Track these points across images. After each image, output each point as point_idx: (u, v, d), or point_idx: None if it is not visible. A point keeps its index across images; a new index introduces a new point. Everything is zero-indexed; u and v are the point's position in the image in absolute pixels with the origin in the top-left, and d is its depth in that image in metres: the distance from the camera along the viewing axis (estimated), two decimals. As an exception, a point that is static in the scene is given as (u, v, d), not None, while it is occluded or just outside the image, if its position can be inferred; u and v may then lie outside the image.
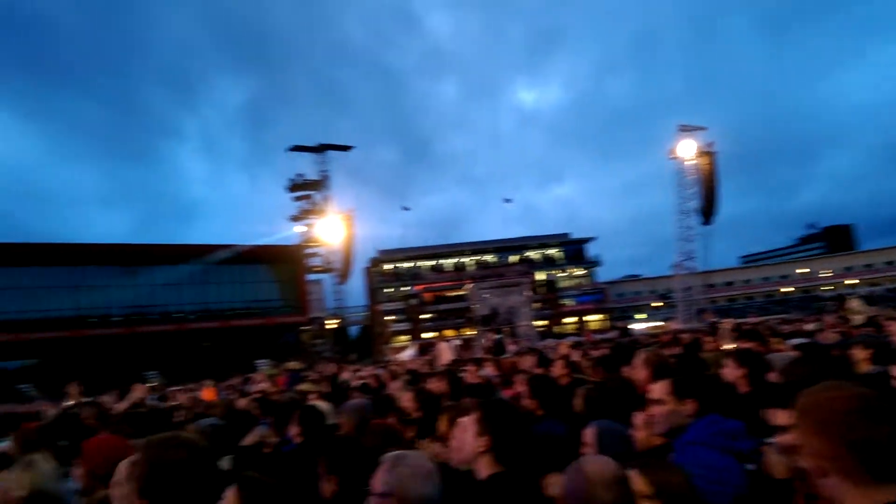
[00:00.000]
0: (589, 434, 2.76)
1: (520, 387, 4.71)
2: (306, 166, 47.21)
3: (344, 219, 44.13)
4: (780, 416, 2.16)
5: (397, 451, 2.09)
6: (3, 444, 5.49)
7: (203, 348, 43.21)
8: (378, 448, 2.86)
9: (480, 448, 2.36)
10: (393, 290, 62.83)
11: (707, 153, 39.29)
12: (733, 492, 2.22)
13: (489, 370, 8.64)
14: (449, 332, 52.34)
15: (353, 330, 60.56)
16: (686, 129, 40.44)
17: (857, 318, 12.38)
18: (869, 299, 23.53)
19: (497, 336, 25.84)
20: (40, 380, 33.21)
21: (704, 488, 2.06)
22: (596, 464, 2.08)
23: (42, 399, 24.52)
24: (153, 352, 38.13)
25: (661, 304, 60.79)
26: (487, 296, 34.02)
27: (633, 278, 71.95)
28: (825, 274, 66.36)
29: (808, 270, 67.90)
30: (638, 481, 1.94)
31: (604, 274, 69.97)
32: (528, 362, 7.23)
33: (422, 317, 59.73)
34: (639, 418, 2.89)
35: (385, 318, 58.73)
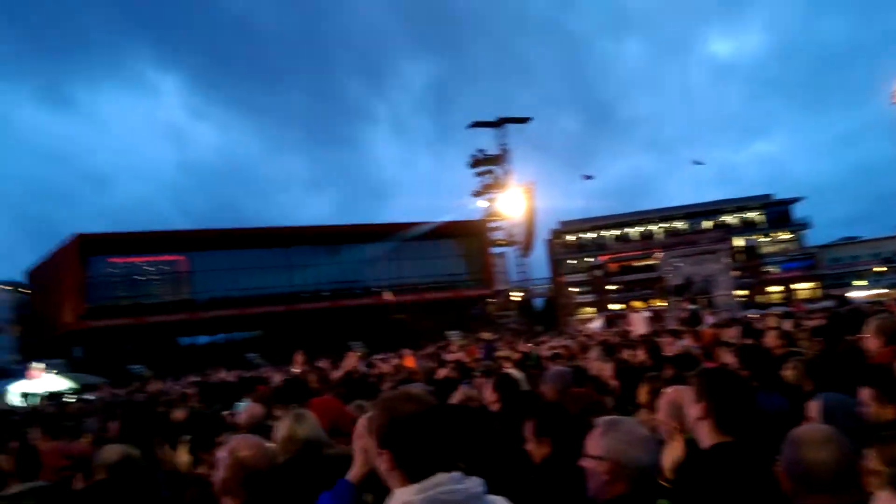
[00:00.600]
0: (813, 407, 2.57)
1: (727, 358, 4.47)
2: (487, 141, 48.04)
3: (525, 191, 44.30)
4: None
5: (611, 417, 2.10)
6: (243, 404, 6.24)
7: (397, 320, 45.99)
8: (582, 415, 2.90)
9: (700, 416, 2.29)
10: (577, 261, 61.93)
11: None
12: None
13: (688, 341, 8.26)
14: (637, 304, 50.59)
15: (538, 302, 60.85)
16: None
17: None
18: None
19: (692, 306, 24.46)
20: (263, 349, 37.51)
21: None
22: (816, 432, 1.94)
23: (266, 366, 27.35)
24: (356, 324, 41.37)
25: (885, 268, 53.57)
26: (680, 264, 32.18)
27: (851, 241, 63.85)
28: None
29: None
30: (871, 457, 1.78)
31: (814, 237, 62.92)
32: (732, 333, 6.81)
33: (607, 288, 58.37)
34: (866, 392, 2.63)
35: (569, 289, 58.25)
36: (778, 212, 62.77)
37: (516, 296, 51.36)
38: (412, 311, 47.07)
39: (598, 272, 59.37)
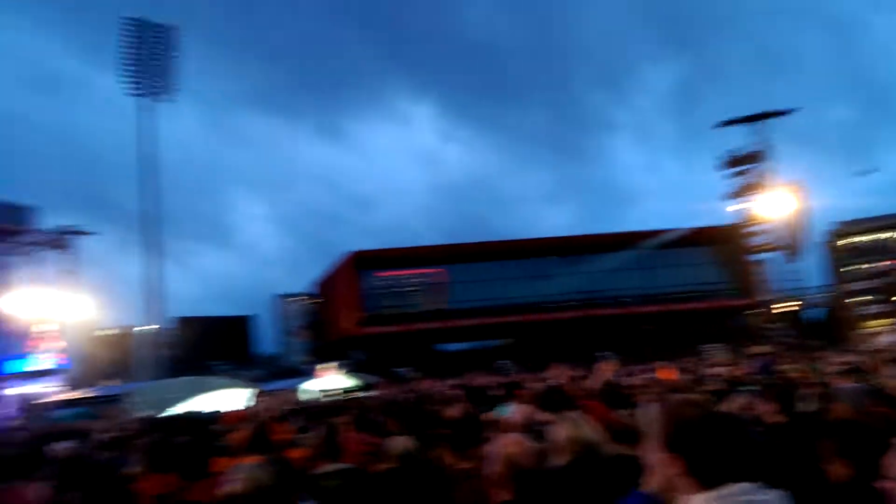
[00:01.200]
0: None
1: None
2: (740, 140, 44.14)
3: (791, 190, 39.81)
4: None
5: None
6: (506, 407, 6.52)
7: (645, 331, 44.17)
8: (882, 435, 2.58)
9: None
10: (859, 266, 53.81)
11: None
12: None
13: None
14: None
15: (813, 312, 53.97)
16: None
17: None
18: None
19: None
20: (514, 356, 38.53)
21: None
22: None
23: (517, 372, 27.95)
24: (604, 334, 40.63)
25: None
26: None
27: None
28: None
29: None
30: None
31: None
32: None
33: (902, 296, 49.76)
34: None
35: (852, 298, 50.78)
36: None
37: (784, 306, 46.17)
38: (663, 322, 44.89)
39: (888, 279, 50.93)
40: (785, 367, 8.09)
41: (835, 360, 10.77)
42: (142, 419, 10.76)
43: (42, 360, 30.78)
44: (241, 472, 2.80)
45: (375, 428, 6.06)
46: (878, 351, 13.60)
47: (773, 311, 45.04)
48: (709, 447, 1.56)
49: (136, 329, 45.69)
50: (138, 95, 39.20)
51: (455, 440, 4.83)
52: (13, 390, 29.59)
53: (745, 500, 1.45)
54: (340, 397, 17.87)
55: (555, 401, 5.81)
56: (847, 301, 51.06)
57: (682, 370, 14.64)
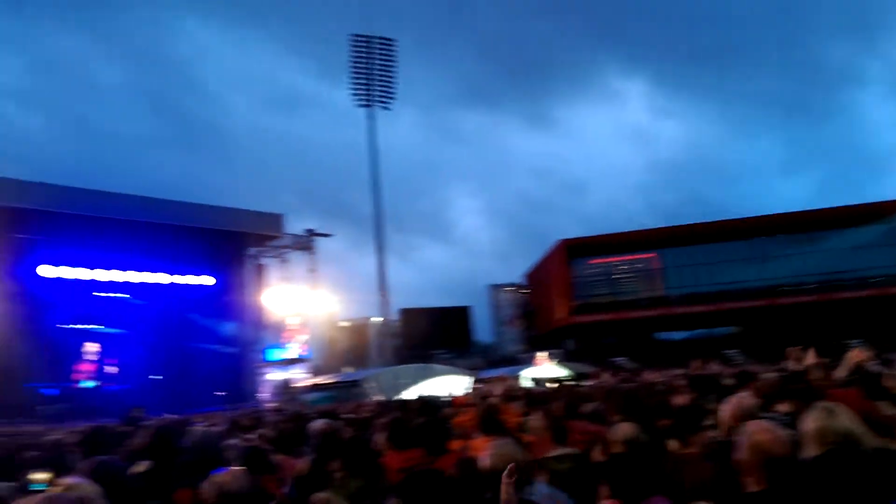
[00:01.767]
0: None
1: None
2: None
3: None
4: None
5: None
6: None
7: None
8: None
9: None
10: None
11: None
12: None
13: None
14: None
15: None
16: None
17: None
18: None
19: None
20: (742, 345, 35.79)
21: None
22: None
23: (747, 362, 26.03)
24: (850, 319, 36.02)
25: None
26: None
27: None
28: None
29: None
30: None
31: None
32: None
33: None
34: None
35: None
36: None
37: None
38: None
39: None
40: None
41: None
42: (381, 401, 11.81)
43: (292, 350, 35.09)
44: (493, 449, 3.00)
45: (593, 416, 6.07)
46: None
47: None
48: None
49: (371, 320, 50.03)
50: (365, 106, 43.03)
51: (680, 428, 4.70)
52: (272, 376, 34.13)
53: None
54: (556, 385, 18.00)
55: (797, 390, 5.32)
56: None
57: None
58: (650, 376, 13.87)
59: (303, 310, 36.98)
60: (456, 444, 4.77)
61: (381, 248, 42.05)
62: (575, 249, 46.49)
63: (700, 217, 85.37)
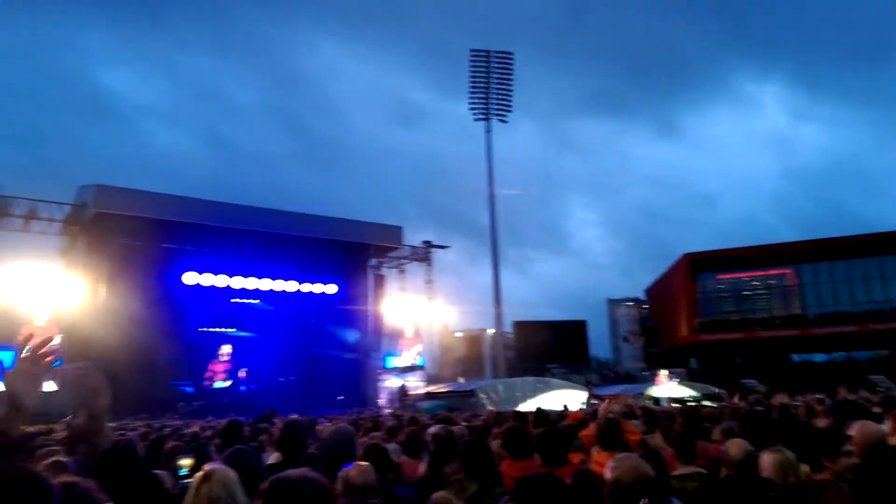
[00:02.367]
0: None
1: None
2: None
3: None
4: None
5: None
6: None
7: None
8: None
9: None
10: None
11: None
12: None
13: None
14: None
15: None
16: None
17: None
18: None
19: None
20: (891, 371, 32.69)
21: None
22: None
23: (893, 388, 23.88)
24: None
25: None
26: None
27: None
28: None
29: None
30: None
31: None
32: None
33: None
34: None
35: None
36: None
37: None
38: None
39: None
40: None
41: None
42: (497, 411, 11.83)
43: (407, 358, 35.89)
44: (618, 462, 2.95)
45: (723, 436, 5.77)
46: None
47: None
48: None
49: (485, 331, 50.29)
50: (482, 119, 43.63)
51: (816, 452, 4.40)
52: (389, 383, 35.08)
53: None
54: (680, 405, 17.20)
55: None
56: None
57: None
58: (784, 400, 12.97)
59: (419, 319, 37.78)
60: (575, 457, 4.70)
61: (496, 260, 42.18)
62: (700, 264, 44.32)
63: (842, 230, 79.09)
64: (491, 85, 43.19)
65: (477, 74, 43.24)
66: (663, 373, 29.11)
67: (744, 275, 44.17)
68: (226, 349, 34.54)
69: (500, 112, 43.54)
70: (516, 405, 23.09)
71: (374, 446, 3.92)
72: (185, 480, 3.91)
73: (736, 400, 14.98)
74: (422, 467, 4.79)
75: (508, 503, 2.65)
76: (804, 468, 4.27)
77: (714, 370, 40.71)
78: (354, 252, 35.12)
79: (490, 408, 15.75)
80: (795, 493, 3.53)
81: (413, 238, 39.17)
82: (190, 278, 30.20)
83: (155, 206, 28.77)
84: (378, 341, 36.24)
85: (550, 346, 51.71)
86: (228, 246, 30.70)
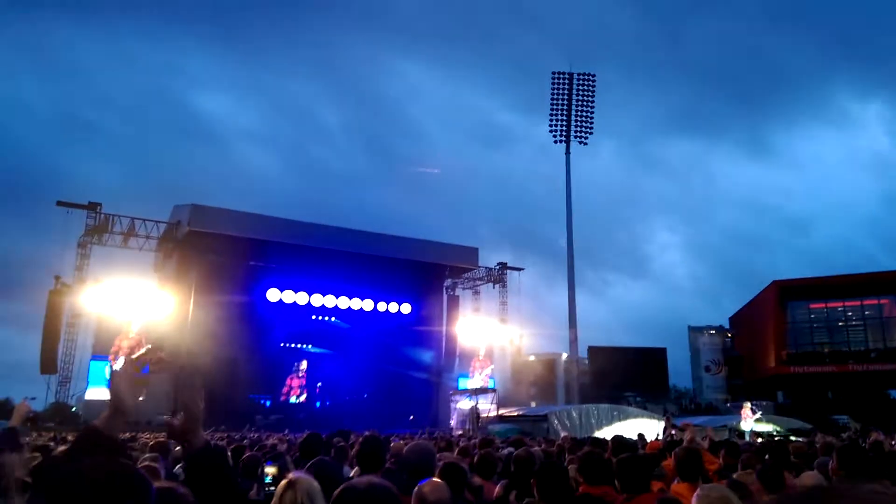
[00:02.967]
0: None
1: None
2: None
3: None
4: None
5: None
6: None
7: None
8: None
9: None
10: None
11: None
12: None
13: None
14: None
15: None
16: None
17: None
18: None
19: None
20: None
21: None
22: None
23: None
24: None
25: None
26: None
27: None
28: None
29: None
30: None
31: None
32: None
33: None
34: None
35: None
36: None
37: None
38: None
39: None
40: None
41: None
42: (573, 437, 11.62)
43: (478, 380, 35.72)
44: (703, 491, 2.87)
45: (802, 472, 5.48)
46: None
47: None
48: None
49: (560, 356, 49.51)
50: (562, 142, 43.52)
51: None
52: (461, 404, 34.98)
53: None
54: (764, 439, 16.35)
55: None
56: None
57: None
58: (879, 438, 12.13)
59: (491, 341, 37.61)
60: (655, 485, 4.57)
61: (572, 284, 41.63)
62: (790, 292, 42.17)
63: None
64: (572, 107, 43.07)
65: (558, 96, 43.21)
66: (748, 405, 27.69)
67: (837, 304, 41.71)
68: (302, 365, 35.46)
69: (580, 134, 43.31)
70: (591, 432, 22.55)
71: (451, 465, 3.94)
72: (270, 488, 4.06)
73: (822, 437, 14.13)
74: (497, 489, 4.77)
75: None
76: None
77: (803, 405, 38.48)
78: (430, 272, 35.46)
79: (564, 433, 15.47)
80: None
81: (488, 259, 39.25)
82: (273, 295, 31.28)
83: (243, 226, 30.01)
84: (451, 362, 36.27)
85: (627, 374, 50.24)
86: (309, 264, 31.63)
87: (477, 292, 39.25)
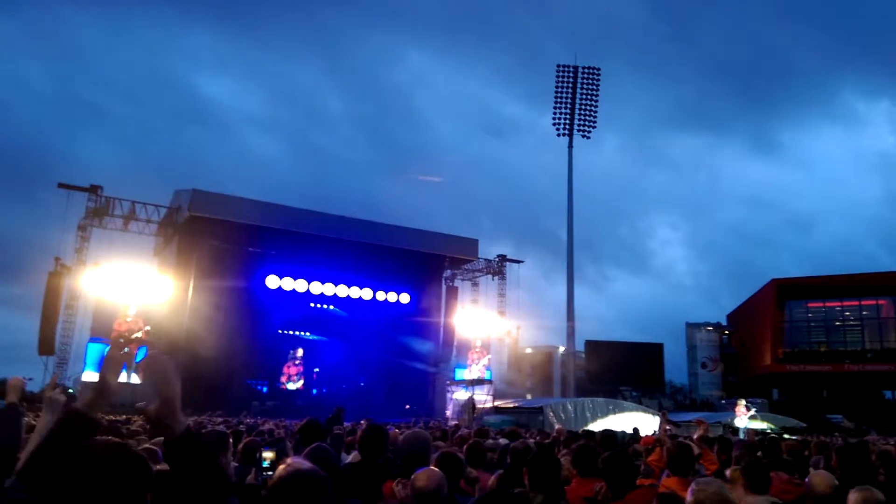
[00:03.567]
0: None
1: None
2: None
3: None
4: None
5: None
6: None
7: None
8: None
9: None
10: None
11: None
12: None
13: None
14: None
15: None
16: None
17: None
18: None
19: None
20: None
21: None
22: None
23: None
24: None
25: None
26: None
27: None
28: None
29: None
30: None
31: None
32: None
33: None
34: None
35: None
36: None
37: None
38: None
39: None
40: None
41: None
42: (566, 429, 11.69)
43: (475, 371, 35.83)
44: (699, 485, 2.92)
45: (795, 470, 5.54)
46: None
47: None
48: None
49: (557, 349, 49.64)
50: (565, 135, 43.45)
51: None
52: (457, 395, 35.11)
53: None
54: (757, 437, 16.43)
55: None
56: None
57: None
58: (875, 439, 12.21)
59: (489, 333, 37.71)
60: (644, 482, 4.62)
61: (570, 276, 41.68)
62: (788, 290, 42.26)
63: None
64: (576, 100, 42.96)
65: (562, 89, 43.10)
66: (742, 402, 27.84)
67: (835, 304, 41.81)
68: (299, 352, 35.55)
69: (583, 128, 43.21)
70: (586, 425, 22.68)
71: (448, 454, 3.98)
72: (268, 472, 4.11)
73: (821, 436, 14.22)
74: (492, 481, 4.81)
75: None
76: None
77: (797, 403, 38.67)
78: (429, 263, 35.48)
79: (559, 426, 15.55)
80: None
81: (488, 251, 39.24)
82: (272, 282, 31.31)
83: (244, 212, 29.96)
84: (448, 353, 36.37)
85: (624, 368, 50.39)
86: (309, 252, 31.65)
87: (476, 284, 39.31)
